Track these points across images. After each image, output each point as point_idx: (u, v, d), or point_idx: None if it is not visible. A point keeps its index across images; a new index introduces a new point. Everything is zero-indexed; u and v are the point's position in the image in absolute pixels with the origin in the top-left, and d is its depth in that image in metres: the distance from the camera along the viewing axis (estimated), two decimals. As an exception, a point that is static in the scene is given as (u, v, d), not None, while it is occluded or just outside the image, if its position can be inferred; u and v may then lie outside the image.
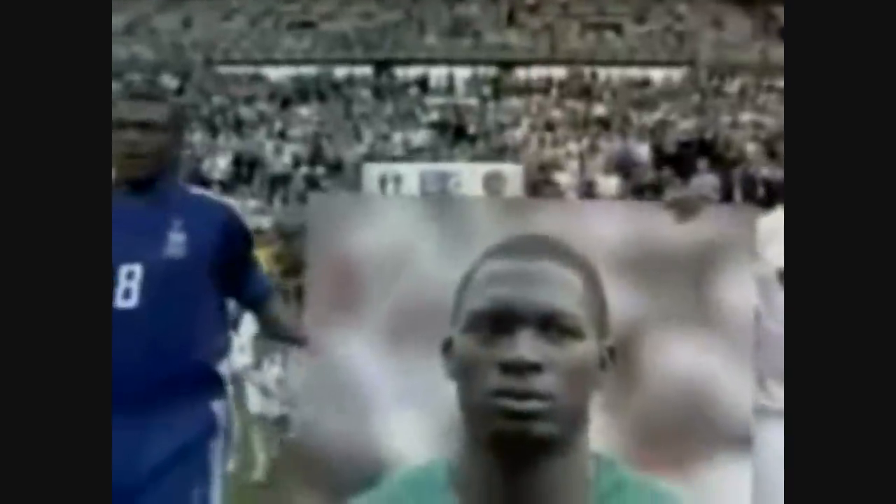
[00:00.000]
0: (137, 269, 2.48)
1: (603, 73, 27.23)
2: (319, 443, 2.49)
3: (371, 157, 20.39)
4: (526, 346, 1.06)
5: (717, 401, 2.36)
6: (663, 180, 14.86)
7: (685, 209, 2.36)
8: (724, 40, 29.17)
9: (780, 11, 30.63)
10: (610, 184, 15.52)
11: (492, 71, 27.40)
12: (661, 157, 17.37)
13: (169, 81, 26.17)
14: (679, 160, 16.33)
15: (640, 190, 14.71)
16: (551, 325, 1.08)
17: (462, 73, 27.12)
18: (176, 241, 2.54)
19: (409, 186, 17.68)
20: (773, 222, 2.46)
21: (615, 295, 1.18)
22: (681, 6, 30.69)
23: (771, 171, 16.09)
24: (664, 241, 2.41)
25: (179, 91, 25.50)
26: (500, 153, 20.60)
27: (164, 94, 2.80)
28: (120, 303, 2.44)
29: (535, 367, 1.05)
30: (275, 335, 2.98)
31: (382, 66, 27.69)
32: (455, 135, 22.38)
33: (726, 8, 30.68)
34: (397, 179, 18.09)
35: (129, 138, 2.52)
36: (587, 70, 27.18)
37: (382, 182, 18.14)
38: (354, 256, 2.52)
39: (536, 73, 27.30)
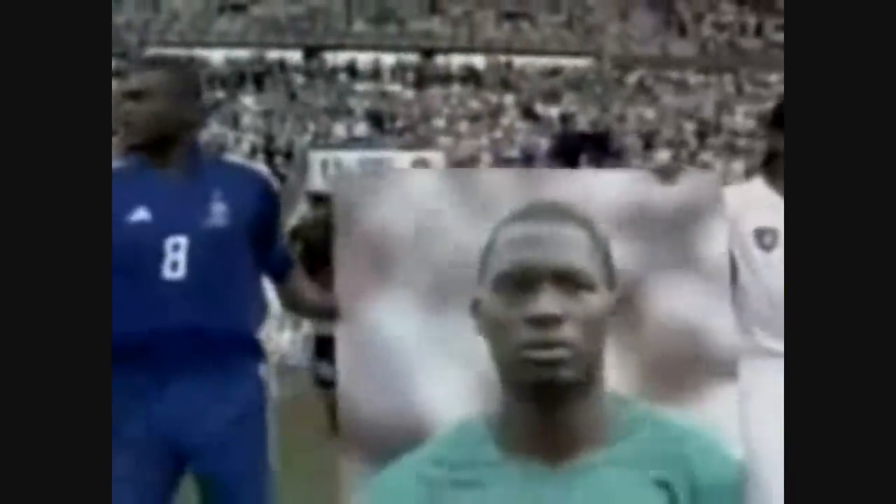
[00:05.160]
0: (183, 240, 2.62)
1: (517, 63, 30.74)
2: (362, 409, 2.71)
3: (315, 145, 24.71)
4: (547, 301, 1.27)
5: (705, 336, 2.77)
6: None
7: (667, 174, 2.82)
8: (628, 33, 33.15)
9: (682, 7, 35.48)
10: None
11: (415, 58, 30.74)
12: (554, 148, 21.81)
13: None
14: (568, 152, 20.74)
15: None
16: (567, 280, 1.28)
17: (388, 60, 30.38)
18: (218, 211, 2.67)
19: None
20: (751, 190, 2.94)
21: (616, 250, 1.38)
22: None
23: (642, 163, 20.61)
24: (652, 203, 2.81)
25: (117, 73, 28.56)
26: (426, 142, 24.92)
27: (166, 62, 2.89)
28: (168, 274, 2.60)
29: (557, 319, 1.26)
30: (299, 308, 3.10)
31: (312, 51, 30.70)
32: (386, 125, 26.55)
33: (631, 0, 34.47)
34: (338, 165, 22.85)
35: (122, 109, 2.65)
36: (502, 59, 30.79)
37: (324, 167, 22.92)
38: (383, 229, 2.77)
39: (456, 60, 30.75)
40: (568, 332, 1.27)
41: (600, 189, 2.78)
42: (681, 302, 2.80)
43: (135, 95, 2.66)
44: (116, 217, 2.54)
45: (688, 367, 2.78)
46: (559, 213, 1.35)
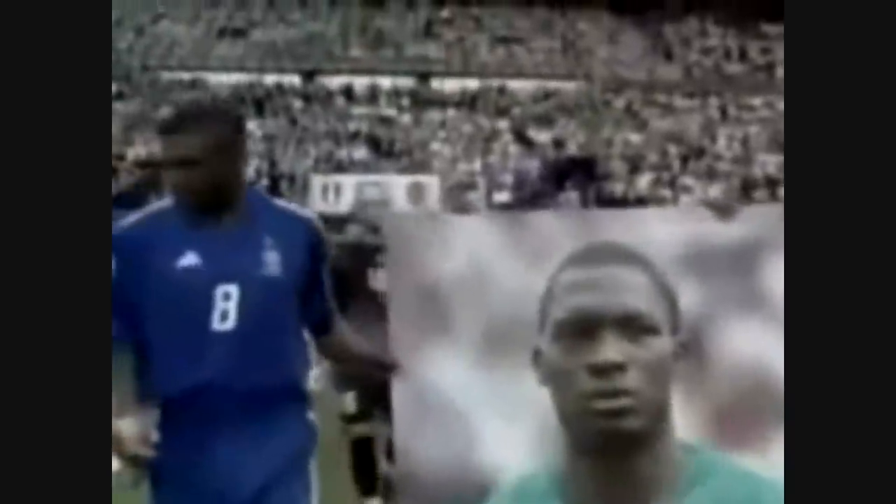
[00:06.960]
0: (234, 289, 2.56)
1: (509, 86, 31.83)
2: (419, 464, 2.69)
3: (315, 169, 26.00)
4: (609, 348, 1.23)
5: (776, 379, 2.60)
6: (538, 195, 20.27)
7: (726, 211, 2.78)
8: (617, 57, 34.27)
9: (669, 31, 36.84)
10: (501, 197, 21.23)
11: (410, 82, 31.80)
12: (543, 173, 22.90)
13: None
14: (556, 176, 21.86)
15: (522, 203, 19.93)
16: (629, 325, 1.24)
17: (384, 84, 31.45)
18: (272, 261, 2.62)
19: (347, 194, 23.85)
20: None
21: (679, 291, 1.34)
22: (581, 23, 35.69)
23: (624, 187, 21.78)
24: (713, 240, 2.77)
25: (120, 96, 29.44)
26: (422, 166, 26.22)
27: (208, 114, 2.65)
28: (217, 325, 2.54)
29: (620, 367, 1.22)
30: (345, 362, 3.02)
31: (310, 75, 31.78)
32: (383, 149, 27.65)
33: (621, 26, 35.81)
34: (337, 189, 24.20)
35: (171, 176, 2.56)
36: (495, 84, 31.86)
37: (325, 190, 24.25)
38: (436, 277, 2.76)
39: (450, 85, 31.74)
40: (632, 379, 1.23)
41: (658, 228, 2.77)
42: (748, 344, 2.74)
43: (186, 163, 2.55)
44: (164, 262, 2.57)
45: (758, 412, 2.68)
46: (618, 254, 1.31)
